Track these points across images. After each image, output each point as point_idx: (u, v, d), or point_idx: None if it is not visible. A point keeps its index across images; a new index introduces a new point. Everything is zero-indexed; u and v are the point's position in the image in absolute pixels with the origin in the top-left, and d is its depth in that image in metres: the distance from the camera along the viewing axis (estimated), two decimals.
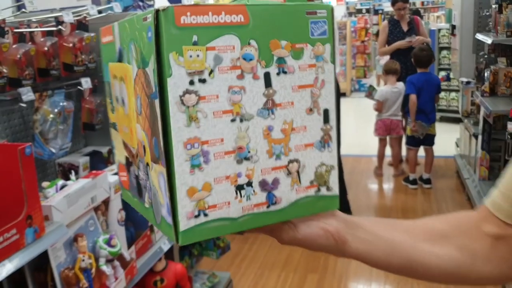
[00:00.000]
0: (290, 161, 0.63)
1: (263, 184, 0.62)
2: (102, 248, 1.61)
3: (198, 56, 0.55)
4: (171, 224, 0.57)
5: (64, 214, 1.48)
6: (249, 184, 0.61)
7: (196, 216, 0.58)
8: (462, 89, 5.05)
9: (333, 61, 0.65)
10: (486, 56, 4.37)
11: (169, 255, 2.24)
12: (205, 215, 0.58)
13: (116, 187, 1.75)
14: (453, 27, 5.03)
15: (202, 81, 0.56)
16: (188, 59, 0.55)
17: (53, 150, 1.88)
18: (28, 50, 1.81)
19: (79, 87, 2.08)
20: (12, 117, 1.93)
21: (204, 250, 2.87)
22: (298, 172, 0.64)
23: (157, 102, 0.55)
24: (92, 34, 2.12)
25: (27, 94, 1.71)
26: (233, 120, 0.58)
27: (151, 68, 0.56)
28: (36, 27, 1.96)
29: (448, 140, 5.51)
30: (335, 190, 0.67)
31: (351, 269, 3.38)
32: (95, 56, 2.13)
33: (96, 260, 1.59)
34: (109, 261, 1.64)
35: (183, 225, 0.57)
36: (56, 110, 1.90)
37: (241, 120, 0.59)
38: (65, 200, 1.49)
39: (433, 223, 0.73)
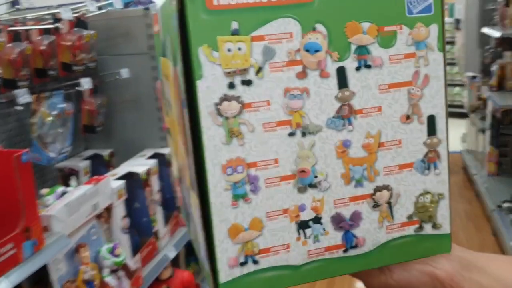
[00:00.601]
0: (378, 189, 0.46)
1: (337, 220, 0.45)
2: (106, 258, 1.50)
3: (239, 49, 0.40)
4: (209, 272, 0.43)
5: (65, 224, 1.37)
6: (317, 220, 0.45)
7: (242, 264, 0.43)
8: (468, 84, 4.95)
9: (442, 49, 0.45)
10: (492, 50, 4.26)
11: (175, 262, 2.08)
12: (255, 262, 0.43)
13: (119, 193, 1.63)
14: (457, 21, 4.92)
15: (247, 83, 0.41)
16: (226, 54, 0.40)
17: (52, 155, 1.77)
18: (24, 49, 1.69)
19: (78, 88, 1.94)
20: (8, 120, 1.81)
21: None
22: (389, 203, 0.46)
23: (185, 113, 0.41)
24: (92, 32, 1.96)
25: (23, 96, 1.60)
26: (291, 134, 0.42)
27: (178, 68, 0.42)
28: (32, 25, 1.84)
29: (453, 135, 5.03)
30: (446, 227, 0.48)
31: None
32: (95, 55, 2.00)
33: (100, 271, 1.48)
34: (113, 272, 1.53)
35: (224, 275, 0.43)
36: (54, 113, 1.78)
37: (304, 134, 0.43)
38: (66, 209, 1.38)
39: None
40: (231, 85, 0.40)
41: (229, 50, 0.40)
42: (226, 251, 0.43)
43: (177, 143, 0.54)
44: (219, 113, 0.41)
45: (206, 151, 0.41)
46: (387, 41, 0.43)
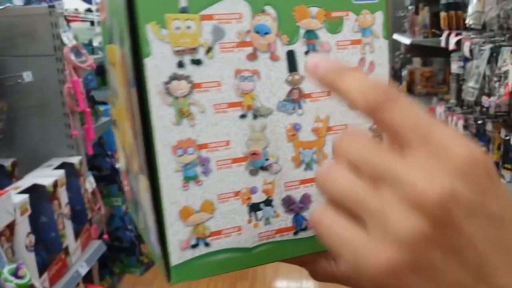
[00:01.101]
0: None
1: (288, 203, 0.45)
2: (8, 281, 1.36)
3: (188, 28, 0.40)
4: (161, 256, 0.42)
5: None
6: (268, 202, 0.45)
7: (194, 246, 0.43)
8: None
9: (387, 36, 0.47)
10: (402, 56, 4.53)
11: (88, 277, 1.98)
12: (206, 244, 0.43)
13: (22, 208, 1.49)
14: None
15: (196, 62, 0.40)
16: (175, 32, 0.39)
17: None
18: None
19: None
20: None
21: (127, 268, 2.61)
22: None
23: (133, 93, 0.40)
24: None
25: None
26: (243, 116, 0.43)
27: (126, 47, 0.41)
28: None
29: None
30: None
31: (281, 273, 3.20)
32: None
33: None
34: None
35: (176, 258, 0.42)
36: None
37: (255, 116, 0.43)
38: None
39: None
40: (181, 64, 0.40)
41: (177, 28, 0.39)
42: (177, 234, 0.42)
43: (125, 132, 0.53)
44: (168, 92, 0.40)
45: (155, 131, 0.40)
46: (335, 26, 0.44)
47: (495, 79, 1.67)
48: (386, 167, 0.27)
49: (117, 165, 2.44)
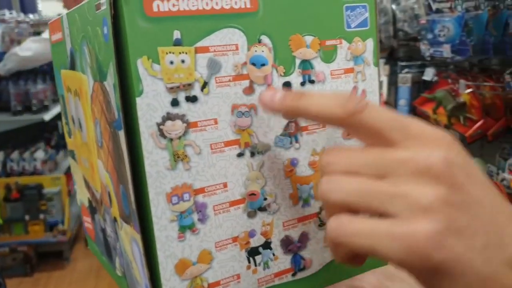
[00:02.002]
0: (323, 207, 0.44)
1: (286, 243, 0.42)
2: None
3: (183, 62, 0.36)
4: None
5: None
6: (267, 245, 0.42)
7: None
8: None
9: (376, 63, 0.45)
10: None
11: None
12: None
13: None
14: None
15: (192, 99, 0.36)
16: (168, 66, 0.35)
17: None
18: None
19: None
20: None
21: None
22: None
23: (122, 135, 0.36)
24: None
25: None
26: (240, 155, 0.39)
27: (110, 83, 0.36)
28: None
29: None
30: None
31: None
32: None
33: None
34: None
35: None
36: None
37: (252, 154, 0.40)
38: None
39: None
40: (175, 102, 0.36)
41: (171, 62, 0.35)
42: None
43: (93, 169, 0.47)
44: (162, 134, 0.36)
45: (148, 179, 0.35)
46: (329, 55, 0.42)
47: None
48: (384, 159, 0.29)
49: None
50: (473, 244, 0.27)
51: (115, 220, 0.43)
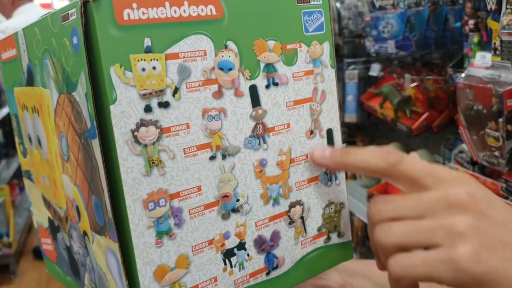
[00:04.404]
0: (292, 205, 0.45)
1: (259, 243, 0.43)
2: None
3: (154, 68, 0.36)
4: None
5: None
6: (241, 246, 0.42)
7: None
8: None
9: (334, 65, 0.48)
10: None
11: None
12: None
13: None
14: None
15: (164, 105, 0.37)
16: (140, 73, 0.36)
17: None
18: None
19: None
20: None
21: None
22: (302, 218, 0.46)
23: (95, 144, 0.35)
24: None
25: None
26: (212, 158, 0.40)
27: (81, 92, 0.36)
28: None
29: None
30: (348, 235, 0.51)
31: None
32: None
33: None
34: None
35: None
36: None
37: (224, 157, 0.40)
38: None
39: None
40: (148, 108, 0.36)
41: (143, 69, 0.36)
42: None
43: (56, 185, 0.46)
44: (136, 140, 0.36)
45: (124, 186, 0.35)
46: (290, 59, 0.44)
47: None
48: (422, 201, 0.36)
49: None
50: (505, 256, 0.33)
51: (84, 234, 0.42)
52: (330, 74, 0.47)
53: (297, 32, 0.45)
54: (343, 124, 1.79)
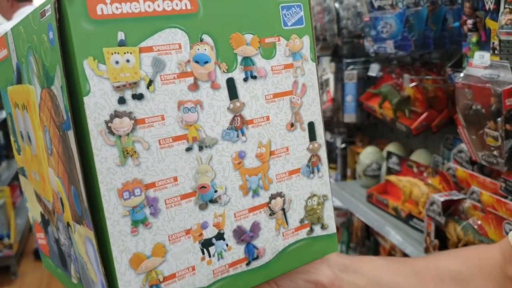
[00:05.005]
0: (272, 196, 0.46)
1: (239, 234, 0.44)
2: None
3: (128, 61, 0.37)
4: None
5: None
6: (220, 236, 0.43)
7: None
8: None
9: (314, 59, 0.48)
10: None
11: None
12: None
13: None
14: None
15: (138, 97, 0.38)
16: (114, 66, 0.37)
17: None
18: None
19: None
20: None
21: None
22: (283, 210, 0.47)
23: (71, 135, 0.37)
24: None
25: None
26: (189, 149, 0.41)
27: (58, 86, 0.37)
28: None
29: None
30: (332, 227, 0.51)
31: None
32: None
33: None
34: None
35: None
36: None
37: (201, 148, 0.41)
38: None
39: (448, 262, 0.58)
40: (122, 100, 0.37)
41: (116, 62, 0.37)
42: (129, 284, 0.38)
43: (44, 179, 0.47)
44: (110, 131, 0.37)
45: (99, 175, 0.37)
46: (268, 52, 0.45)
47: None
48: None
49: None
50: None
51: (68, 225, 0.44)
52: (310, 67, 0.48)
53: (275, 26, 0.45)
54: (343, 125, 1.79)
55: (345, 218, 1.87)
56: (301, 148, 0.48)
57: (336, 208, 1.82)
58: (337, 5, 1.63)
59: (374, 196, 1.43)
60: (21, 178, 0.58)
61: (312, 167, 0.49)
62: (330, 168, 1.88)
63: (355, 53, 1.81)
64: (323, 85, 1.82)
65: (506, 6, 0.83)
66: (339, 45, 1.79)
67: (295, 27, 0.46)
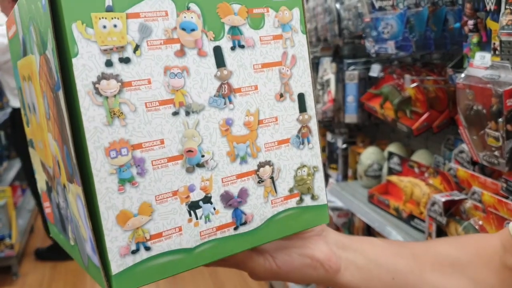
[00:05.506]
0: (261, 165, 0.47)
1: (226, 198, 0.45)
2: None
3: (115, 26, 0.39)
4: (99, 266, 0.40)
5: None
6: (207, 199, 0.44)
7: (134, 252, 0.41)
8: None
9: (305, 31, 0.49)
10: None
11: None
12: (147, 249, 0.42)
13: None
14: None
15: (125, 60, 0.40)
16: (101, 30, 0.39)
17: None
18: None
19: None
20: None
21: None
22: (272, 178, 0.48)
23: (61, 95, 0.39)
24: None
25: None
26: (175, 114, 0.42)
27: (50, 49, 0.40)
28: None
29: None
30: (323, 198, 0.52)
31: None
32: None
33: None
34: None
35: (116, 266, 0.40)
36: None
37: (187, 113, 0.43)
38: None
39: (447, 248, 0.58)
40: (109, 63, 0.39)
41: (104, 27, 0.39)
42: (116, 240, 0.40)
43: (46, 146, 0.50)
44: (98, 92, 0.39)
45: (86, 133, 0.39)
46: (257, 22, 0.46)
47: (318, 87, 1.80)
48: None
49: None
50: None
51: (64, 187, 0.46)
52: (301, 39, 0.49)
53: None
54: (344, 125, 1.79)
55: (346, 218, 1.86)
56: (291, 119, 0.49)
57: (337, 209, 1.82)
58: (338, 6, 1.63)
59: (375, 197, 1.42)
60: (30, 150, 0.61)
61: (302, 138, 0.50)
62: (331, 168, 1.88)
63: (356, 53, 1.80)
64: (323, 85, 1.82)
65: (507, 7, 0.82)
66: (340, 45, 1.80)
67: None
